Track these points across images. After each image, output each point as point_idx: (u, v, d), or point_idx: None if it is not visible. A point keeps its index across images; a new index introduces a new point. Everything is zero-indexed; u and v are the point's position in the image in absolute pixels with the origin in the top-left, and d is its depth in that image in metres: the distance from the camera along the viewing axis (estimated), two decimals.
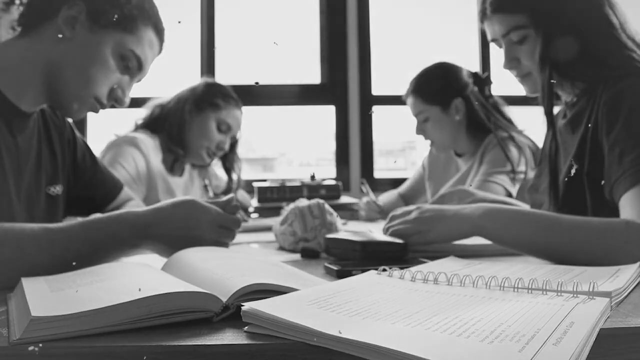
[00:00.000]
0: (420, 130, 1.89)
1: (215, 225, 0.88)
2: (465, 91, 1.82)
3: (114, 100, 1.08)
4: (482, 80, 1.86)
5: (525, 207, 1.20)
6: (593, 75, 1.01)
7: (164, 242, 0.83)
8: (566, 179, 1.04)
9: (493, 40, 1.12)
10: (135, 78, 1.10)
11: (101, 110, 1.07)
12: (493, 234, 0.89)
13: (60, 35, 0.97)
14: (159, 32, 1.11)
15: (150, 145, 1.78)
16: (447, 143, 1.90)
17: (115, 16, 1.00)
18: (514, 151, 1.74)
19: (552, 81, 1.02)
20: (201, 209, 0.87)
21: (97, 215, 0.88)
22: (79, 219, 0.82)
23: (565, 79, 1.05)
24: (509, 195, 1.70)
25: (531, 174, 1.65)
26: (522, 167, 1.73)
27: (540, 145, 1.38)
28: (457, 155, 1.96)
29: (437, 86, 1.83)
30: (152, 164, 1.76)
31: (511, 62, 1.09)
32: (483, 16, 1.12)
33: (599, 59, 1.00)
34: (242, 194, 2.02)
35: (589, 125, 0.99)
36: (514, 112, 1.89)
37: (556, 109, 1.16)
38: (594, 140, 0.97)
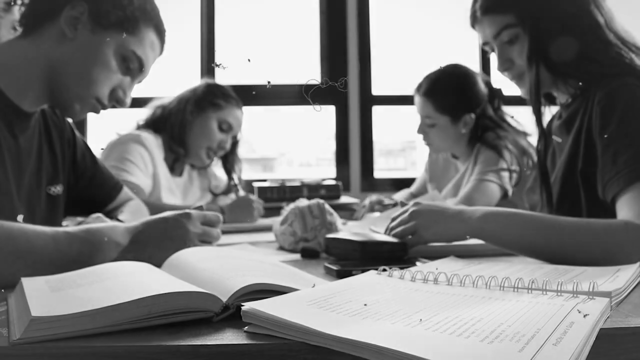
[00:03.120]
0: (422, 130, 1.89)
1: (197, 222, 0.91)
2: (478, 108, 1.82)
3: (115, 100, 1.08)
4: (494, 91, 1.86)
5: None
6: (583, 72, 1.02)
7: (153, 245, 0.85)
8: (561, 179, 1.04)
9: (485, 43, 1.12)
10: (137, 79, 1.11)
11: (102, 111, 1.08)
12: (492, 236, 0.89)
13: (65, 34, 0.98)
14: (160, 33, 1.11)
15: (153, 143, 1.78)
16: (446, 149, 1.94)
17: (117, 17, 1.01)
18: (505, 150, 1.75)
19: (539, 79, 1.03)
20: (182, 213, 0.91)
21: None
22: (78, 219, 0.84)
23: (556, 76, 1.05)
24: (505, 193, 1.72)
25: (526, 173, 1.68)
26: (514, 167, 1.75)
27: None
28: (454, 157, 1.99)
29: (453, 99, 1.81)
30: (157, 161, 1.76)
31: (505, 63, 1.10)
32: (474, 20, 1.13)
33: (588, 56, 1.01)
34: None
35: (583, 124, 0.99)
36: (517, 113, 1.89)
37: (555, 111, 1.16)
38: (588, 140, 0.97)
